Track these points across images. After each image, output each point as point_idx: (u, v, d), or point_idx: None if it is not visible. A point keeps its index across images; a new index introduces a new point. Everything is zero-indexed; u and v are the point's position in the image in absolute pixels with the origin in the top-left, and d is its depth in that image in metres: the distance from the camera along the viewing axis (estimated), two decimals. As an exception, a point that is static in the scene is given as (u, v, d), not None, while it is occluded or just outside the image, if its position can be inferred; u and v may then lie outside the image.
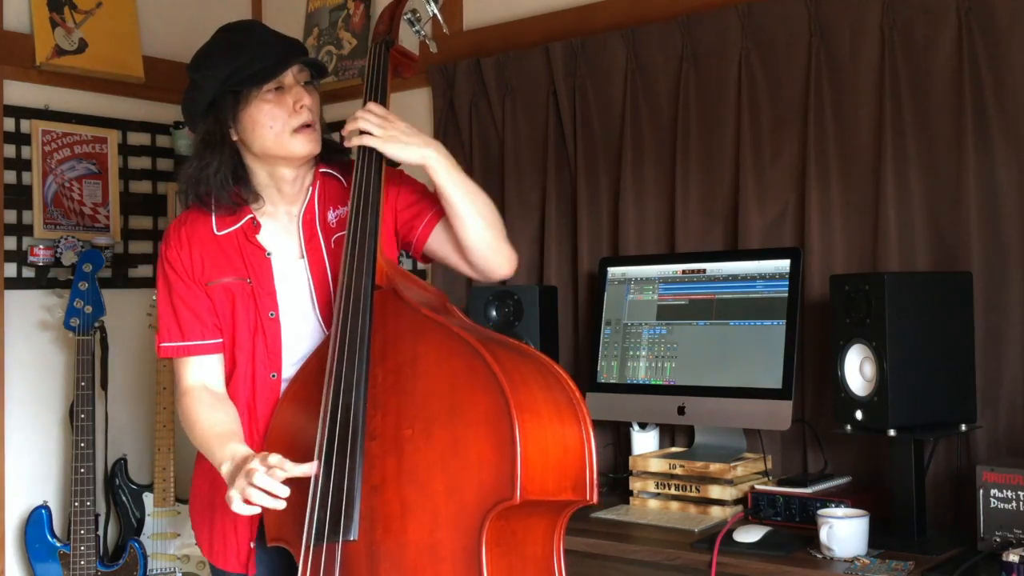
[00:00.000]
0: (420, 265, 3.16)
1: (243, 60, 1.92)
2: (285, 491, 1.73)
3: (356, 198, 1.91)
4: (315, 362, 1.92)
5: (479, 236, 1.95)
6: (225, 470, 1.85)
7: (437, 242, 2.03)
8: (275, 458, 1.75)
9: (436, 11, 2.07)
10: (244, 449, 1.88)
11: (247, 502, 1.74)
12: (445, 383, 1.72)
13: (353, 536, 1.71)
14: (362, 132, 1.89)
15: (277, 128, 1.94)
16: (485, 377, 1.68)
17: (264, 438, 1.97)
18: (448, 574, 1.66)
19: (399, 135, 1.89)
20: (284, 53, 1.96)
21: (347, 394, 1.77)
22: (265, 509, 1.79)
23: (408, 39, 2.11)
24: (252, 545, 1.98)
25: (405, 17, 2.06)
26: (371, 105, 1.93)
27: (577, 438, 1.73)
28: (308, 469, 1.75)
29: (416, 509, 1.70)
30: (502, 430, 1.63)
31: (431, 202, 2.03)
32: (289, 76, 1.96)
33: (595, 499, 1.74)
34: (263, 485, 1.72)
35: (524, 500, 1.62)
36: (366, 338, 1.80)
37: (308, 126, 1.96)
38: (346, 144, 1.95)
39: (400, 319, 1.82)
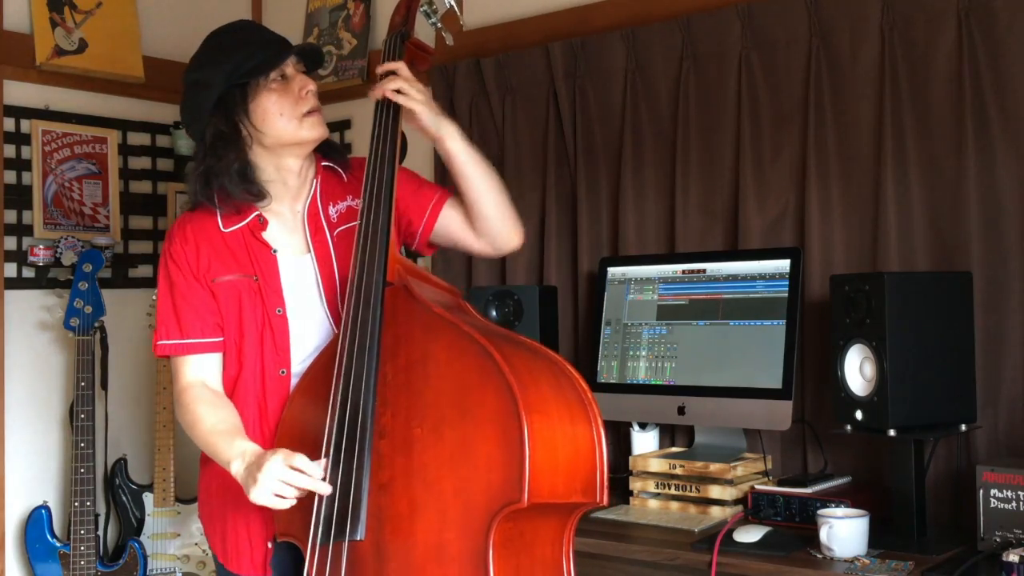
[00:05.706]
0: (419, 262, 3.15)
1: (243, 54, 1.96)
2: (323, 487, 1.74)
3: (369, 193, 1.91)
4: (325, 358, 1.92)
5: (492, 205, 1.99)
6: (236, 468, 1.84)
7: (446, 222, 2.05)
8: (300, 460, 1.75)
9: (453, 2, 2.07)
10: (252, 446, 1.87)
11: (278, 496, 1.75)
12: (455, 382, 1.71)
13: (360, 536, 1.70)
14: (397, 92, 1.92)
15: (287, 114, 1.98)
16: (494, 377, 1.66)
17: (274, 434, 1.96)
18: (455, 575, 1.65)
19: (428, 99, 1.94)
20: (282, 44, 2.02)
21: (356, 392, 1.76)
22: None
23: (423, 31, 2.11)
24: (269, 545, 1.98)
25: (421, 9, 2.06)
26: (398, 66, 1.94)
27: (588, 439, 1.71)
28: (318, 470, 1.75)
29: (424, 509, 1.69)
30: (511, 431, 1.62)
31: (432, 186, 2.07)
32: (290, 67, 2.02)
33: (605, 501, 1.72)
34: (295, 482, 1.73)
35: (532, 503, 1.60)
36: (376, 335, 1.79)
37: (316, 111, 2.01)
38: (373, 96, 1.95)
39: (411, 316, 1.81)
